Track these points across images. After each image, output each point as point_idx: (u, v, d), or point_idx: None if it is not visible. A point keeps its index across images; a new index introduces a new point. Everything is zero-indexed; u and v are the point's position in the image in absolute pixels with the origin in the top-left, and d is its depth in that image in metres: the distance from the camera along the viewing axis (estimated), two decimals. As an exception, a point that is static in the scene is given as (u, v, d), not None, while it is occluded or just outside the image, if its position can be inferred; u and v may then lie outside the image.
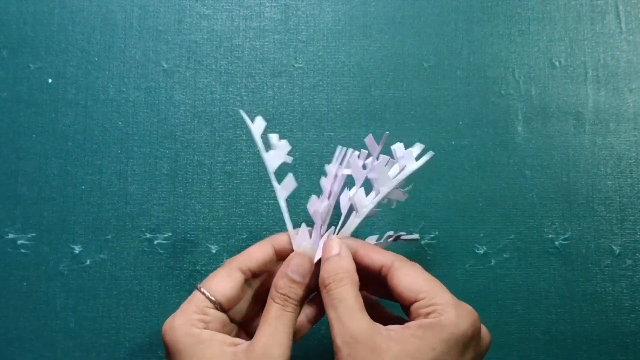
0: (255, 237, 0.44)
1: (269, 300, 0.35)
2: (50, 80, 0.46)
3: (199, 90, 0.46)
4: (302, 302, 0.36)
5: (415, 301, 0.34)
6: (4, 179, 0.45)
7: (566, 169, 0.45)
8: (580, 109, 0.46)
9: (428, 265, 0.44)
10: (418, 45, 0.46)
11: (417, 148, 0.38)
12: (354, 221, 0.38)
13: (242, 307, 0.37)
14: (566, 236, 0.44)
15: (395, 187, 0.37)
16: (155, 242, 0.44)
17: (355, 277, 0.35)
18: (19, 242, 0.44)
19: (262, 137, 0.37)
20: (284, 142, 0.37)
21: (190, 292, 0.43)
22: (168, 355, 0.35)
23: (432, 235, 0.44)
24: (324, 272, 0.35)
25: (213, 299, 0.35)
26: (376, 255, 0.36)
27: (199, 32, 0.47)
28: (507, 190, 0.45)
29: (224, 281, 0.36)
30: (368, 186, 0.38)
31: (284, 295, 0.35)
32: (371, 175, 0.37)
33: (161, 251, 0.44)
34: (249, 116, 0.37)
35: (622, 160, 0.45)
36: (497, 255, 0.44)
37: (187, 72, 0.46)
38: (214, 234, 0.44)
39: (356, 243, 0.37)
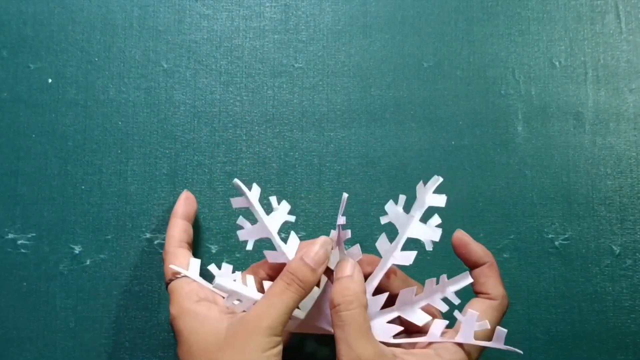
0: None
1: (277, 279, 0.36)
2: (50, 80, 0.46)
3: (199, 90, 0.46)
4: (308, 289, 0.36)
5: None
6: (4, 179, 0.45)
7: (566, 169, 0.45)
8: (580, 109, 0.46)
9: (428, 265, 0.44)
10: (418, 45, 0.46)
11: (434, 181, 0.37)
12: (384, 266, 0.38)
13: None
14: (566, 236, 0.44)
15: (421, 225, 0.37)
16: (156, 242, 0.44)
17: (365, 300, 0.35)
18: (19, 242, 0.44)
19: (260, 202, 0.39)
20: (284, 203, 0.39)
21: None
22: (177, 337, 0.36)
23: (432, 235, 0.44)
24: (334, 292, 0.35)
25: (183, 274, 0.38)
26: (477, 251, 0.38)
27: (199, 32, 0.47)
28: (507, 190, 0.45)
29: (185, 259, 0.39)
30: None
31: (292, 274, 0.35)
32: (387, 220, 0.38)
33: (161, 251, 0.44)
34: (244, 184, 0.38)
35: (622, 160, 0.45)
36: (497, 255, 0.44)
37: (187, 72, 0.46)
38: (214, 234, 0.44)
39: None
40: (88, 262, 0.44)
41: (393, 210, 0.38)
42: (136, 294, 0.44)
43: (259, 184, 0.38)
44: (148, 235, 0.44)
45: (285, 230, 0.42)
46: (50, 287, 0.44)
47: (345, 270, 0.36)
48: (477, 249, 0.37)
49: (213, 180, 0.45)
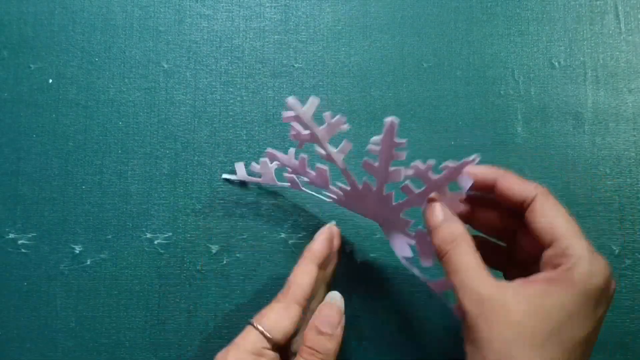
0: (255, 237, 0.44)
1: (297, 356, 0.34)
2: (50, 81, 0.46)
3: (199, 90, 0.46)
4: (332, 357, 0.34)
5: (549, 246, 0.31)
6: (4, 179, 0.45)
7: (566, 169, 0.45)
8: (580, 109, 0.46)
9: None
10: (418, 46, 0.46)
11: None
12: None
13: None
14: (566, 236, 0.44)
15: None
16: (156, 242, 0.44)
17: (468, 237, 0.33)
18: (20, 241, 0.44)
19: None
20: (338, 116, 0.36)
21: (190, 291, 0.44)
22: None
23: (432, 235, 0.44)
24: (435, 240, 0.33)
25: (270, 336, 0.34)
26: (517, 187, 0.33)
27: (199, 32, 0.47)
28: (506, 190, 0.45)
29: (283, 317, 0.35)
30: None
31: (310, 348, 0.34)
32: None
33: (161, 251, 0.44)
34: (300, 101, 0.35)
35: (621, 161, 0.45)
36: (496, 255, 0.44)
37: (187, 72, 0.46)
38: (214, 234, 0.45)
39: (495, 173, 0.34)
40: (88, 261, 0.44)
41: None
42: (136, 294, 0.44)
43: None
44: (148, 235, 0.44)
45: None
46: (50, 287, 0.44)
47: (437, 216, 0.34)
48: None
49: (213, 180, 0.45)
